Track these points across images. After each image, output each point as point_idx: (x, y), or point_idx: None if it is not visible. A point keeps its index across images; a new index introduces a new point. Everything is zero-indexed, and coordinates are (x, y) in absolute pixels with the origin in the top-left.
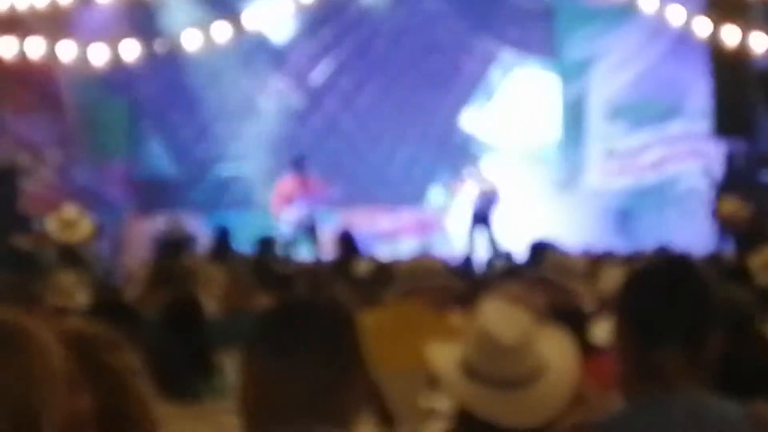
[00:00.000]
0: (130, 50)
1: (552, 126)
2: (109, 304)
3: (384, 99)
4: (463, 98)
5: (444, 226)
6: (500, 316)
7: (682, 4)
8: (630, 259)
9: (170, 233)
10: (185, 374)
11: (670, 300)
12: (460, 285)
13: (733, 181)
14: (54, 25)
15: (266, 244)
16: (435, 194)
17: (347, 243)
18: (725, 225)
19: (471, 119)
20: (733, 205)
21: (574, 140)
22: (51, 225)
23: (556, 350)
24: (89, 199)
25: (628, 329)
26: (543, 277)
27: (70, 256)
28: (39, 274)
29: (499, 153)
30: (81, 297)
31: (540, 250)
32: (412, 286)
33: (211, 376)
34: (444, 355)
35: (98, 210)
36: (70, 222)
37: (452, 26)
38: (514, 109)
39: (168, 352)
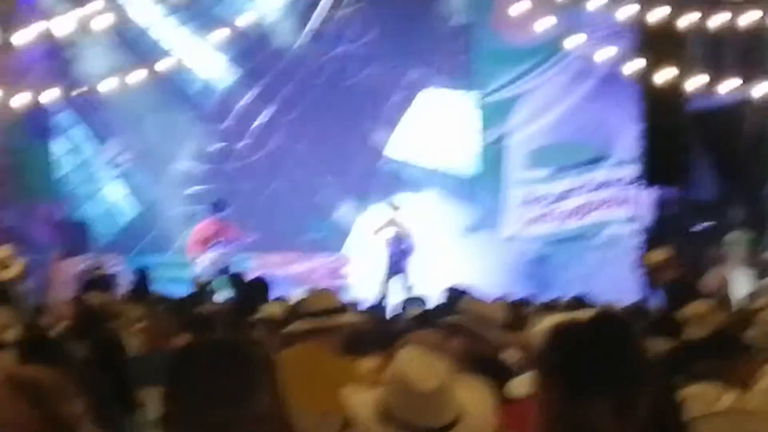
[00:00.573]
0: (50, 94)
1: (472, 166)
2: (38, 341)
3: (299, 141)
4: (381, 139)
5: (358, 271)
6: (418, 362)
7: (613, 42)
8: (547, 308)
9: (92, 273)
10: (110, 410)
11: (598, 355)
12: (367, 323)
13: (664, 230)
14: None
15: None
16: (349, 240)
17: (262, 286)
18: (653, 276)
19: (389, 160)
20: (662, 256)
21: (493, 183)
22: None
23: (473, 398)
24: (16, 239)
25: (553, 383)
26: (460, 324)
27: (1, 293)
28: None
29: (417, 194)
30: (11, 333)
31: (456, 296)
32: (314, 324)
33: (134, 412)
34: (360, 399)
35: (25, 250)
36: (2, 261)
37: (371, 66)
38: (432, 149)
39: (94, 388)
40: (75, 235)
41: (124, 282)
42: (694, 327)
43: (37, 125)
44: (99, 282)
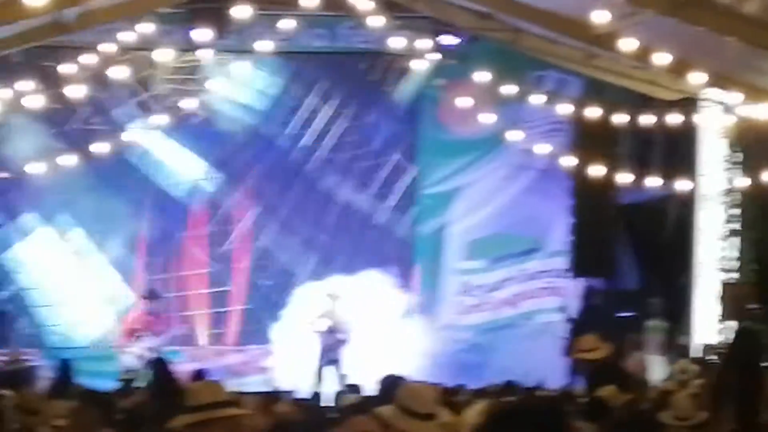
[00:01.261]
0: None
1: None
2: None
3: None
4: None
5: (289, 361)
6: None
7: (549, 138)
8: (479, 394)
9: (10, 366)
10: None
11: None
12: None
13: (590, 318)
14: None
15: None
16: (278, 331)
17: (198, 378)
18: (579, 362)
19: None
20: (589, 343)
21: (431, 272)
22: None
23: None
24: None
25: None
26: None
27: None
28: None
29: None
30: None
31: (391, 383)
32: (197, 417)
33: None
34: None
35: None
36: None
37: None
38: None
39: None
40: None
41: (44, 376)
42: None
43: None
44: (16, 376)
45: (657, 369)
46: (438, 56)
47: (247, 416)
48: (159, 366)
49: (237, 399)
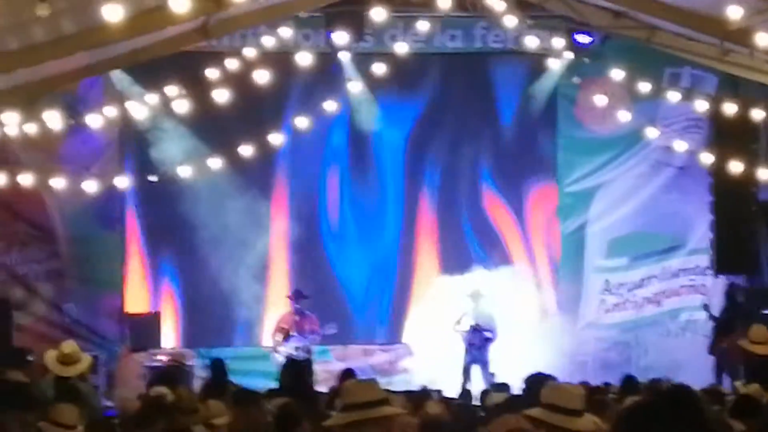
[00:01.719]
0: (121, 181)
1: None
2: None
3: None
4: None
5: (434, 360)
6: None
7: (686, 135)
8: (627, 392)
9: (171, 365)
10: None
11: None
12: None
13: (734, 316)
14: (45, 155)
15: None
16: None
17: (349, 377)
18: (741, 353)
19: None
20: (760, 335)
21: (572, 270)
22: (50, 359)
23: None
24: (82, 332)
25: None
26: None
27: (68, 389)
28: (35, 408)
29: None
30: (81, 429)
31: (537, 382)
32: (355, 416)
33: None
34: None
35: (91, 344)
36: (69, 356)
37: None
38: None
39: None
40: (143, 328)
41: (198, 375)
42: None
43: (106, 213)
44: (172, 375)
45: None
46: (572, 55)
47: (402, 415)
48: (292, 368)
49: (391, 398)
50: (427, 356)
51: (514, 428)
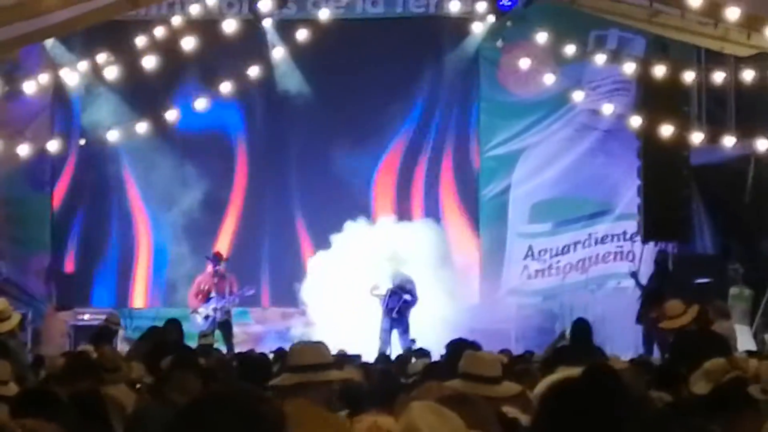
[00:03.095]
0: (53, 144)
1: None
2: (36, 394)
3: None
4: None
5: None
6: (431, 416)
7: (614, 98)
8: (549, 363)
9: (107, 325)
10: None
11: (591, 414)
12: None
13: (664, 284)
14: None
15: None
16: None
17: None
18: (662, 329)
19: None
20: (675, 309)
21: (495, 236)
22: None
23: None
24: (12, 291)
25: None
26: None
27: None
28: None
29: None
30: (13, 386)
31: (459, 348)
32: (301, 378)
33: None
34: None
35: (19, 302)
36: (0, 314)
37: None
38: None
39: None
40: (70, 288)
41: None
42: (700, 381)
43: (36, 176)
44: (101, 335)
45: (742, 339)
46: (495, 18)
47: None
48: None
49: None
50: (339, 320)
51: (442, 396)
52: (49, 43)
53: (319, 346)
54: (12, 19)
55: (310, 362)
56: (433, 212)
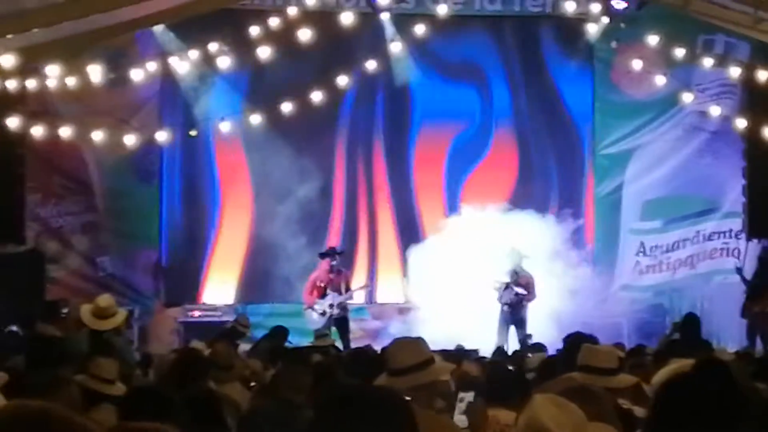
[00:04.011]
0: (162, 135)
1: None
2: (146, 394)
3: None
4: None
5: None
6: (553, 409)
7: (720, 100)
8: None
9: (235, 326)
10: None
11: (703, 406)
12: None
13: (766, 280)
14: (85, 108)
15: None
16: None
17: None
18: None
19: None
20: None
21: (608, 232)
22: (85, 313)
23: None
24: (117, 286)
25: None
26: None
27: (102, 343)
28: (69, 362)
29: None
30: (120, 385)
31: (576, 342)
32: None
33: None
34: None
35: (125, 298)
36: (105, 310)
37: None
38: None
39: None
40: (178, 283)
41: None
42: None
43: (143, 167)
44: (231, 336)
45: None
46: (608, 20)
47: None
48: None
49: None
50: (456, 316)
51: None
52: (159, 30)
53: (417, 342)
54: (120, 4)
55: (409, 363)
56: (545, 206)
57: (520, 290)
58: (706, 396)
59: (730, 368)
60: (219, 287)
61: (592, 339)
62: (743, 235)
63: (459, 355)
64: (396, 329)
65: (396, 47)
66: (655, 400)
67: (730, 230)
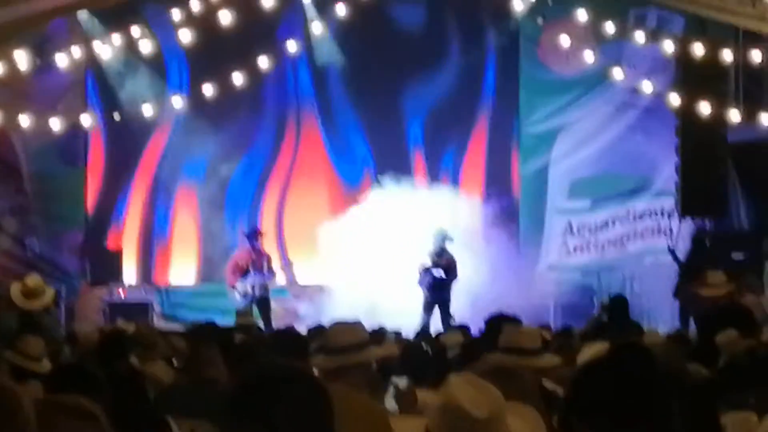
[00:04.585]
0: (85, 119)
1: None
2: (68, 370)
3: None
4: None
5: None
6: (470, 389)
7: (653, 76)
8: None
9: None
10: None
11: (622, 392)
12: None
13: (700, 259)
14: (12, 93)
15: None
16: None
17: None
18: (698, 298)
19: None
20: (716, 279)
21: (534, 212)
22: (14, 292)
23: (525, 426)
24: (45, 267)
25: (580, 423)
26: (502, 366)
27: (31, 322)
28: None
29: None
30: (46, 362)
31: (498, 323)
32: (340, 361)
33: None
34: (408, 427)
35: (53, 278)
36: (33, 290)
37: None
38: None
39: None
40: (104, 264)
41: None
42: (725, 354)
43: (70, 151)
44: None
45: None
46: None
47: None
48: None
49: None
50: (379, 297)
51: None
52: (82, 15)
53: (356, 325)
54: None
55: (347, 343)
56: (468, 186)
57: (440, 273)
58: (623, 379)
59: (649, 351)
60: (143, 267)
61: (514, 320)
62: (676, 214)
63: (379, 335)
64: (315, 310)
65: (317, 28)
66: (573, 383)
67: (662, 209)
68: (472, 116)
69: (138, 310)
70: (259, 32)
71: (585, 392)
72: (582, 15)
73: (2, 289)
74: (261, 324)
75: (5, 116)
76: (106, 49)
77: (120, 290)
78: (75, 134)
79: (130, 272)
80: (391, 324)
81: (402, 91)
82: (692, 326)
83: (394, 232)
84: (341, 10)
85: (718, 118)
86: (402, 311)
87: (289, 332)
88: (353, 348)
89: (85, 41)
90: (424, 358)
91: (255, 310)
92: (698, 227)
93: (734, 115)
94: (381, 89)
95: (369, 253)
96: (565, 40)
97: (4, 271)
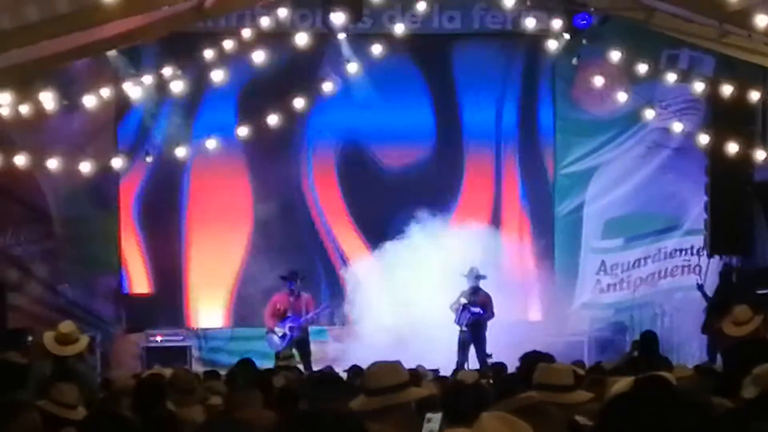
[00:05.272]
0: (117, 161)
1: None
2: (103, 417)
3: None
4: None
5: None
6: (501, 426)
7: (683, 116)
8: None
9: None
10: None
11: (644, 425)
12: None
13: (728, 296)
14: (39, 135)
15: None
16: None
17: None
18: (725, 335)
19: None
20: (743, 315)
21: (569, 251)
22: (48, 339)
23: None
24: (78, 313)
25: None
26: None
27: (65, 369)
28: (34, 387)
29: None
30: (81, 410)
31: (532, 361)
32: (381, 402)
33: None
34: None
35: (87, 324)
36: (67, 336)
37: None
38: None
39: None
40: (139, 309)
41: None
42: (749, 386)
43: (100, 193)
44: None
45: None
46: (570, 36)
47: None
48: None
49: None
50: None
51: (515, 408)
52: (111, 54)
53: (395, 365)
54: (69, 29)
55: (387, 384)
56: (504, 225)
57: (477, 310)
58: (644, 411)
59: (671, 385)
60: (179, 312)
61: (548, 357)
62: (705, 252)
63: (416, 375)
64: (356, 352)
65: (352, 68)
66: (598, 418)
67: (692, 247)
68: (507, 155)
69: (175, 354)
70: (295, 71)
71: (609, 425)
72: (616, 55)
73: (36, 336)
74: (300, 366)
75: (32, 159)
76: (136, 89)
77: (157, 335)
78: (106, 176)
79: (166, 317)
80: (430, 364)
81: (439, 136)
82: (719, 361)
83: (425, 270)
84: (377, 49)
85: (746, 158)
86: (433, 349)
87: (330, 374)
88: (393, 389)
89: (114, 81)
90: (461, 396)
91: (294, 352)
92: (725, 263)
93: (760, 155)
94: (414, 132)
95: (399, 291)
96: (599, 81)
97: (36, 318)
